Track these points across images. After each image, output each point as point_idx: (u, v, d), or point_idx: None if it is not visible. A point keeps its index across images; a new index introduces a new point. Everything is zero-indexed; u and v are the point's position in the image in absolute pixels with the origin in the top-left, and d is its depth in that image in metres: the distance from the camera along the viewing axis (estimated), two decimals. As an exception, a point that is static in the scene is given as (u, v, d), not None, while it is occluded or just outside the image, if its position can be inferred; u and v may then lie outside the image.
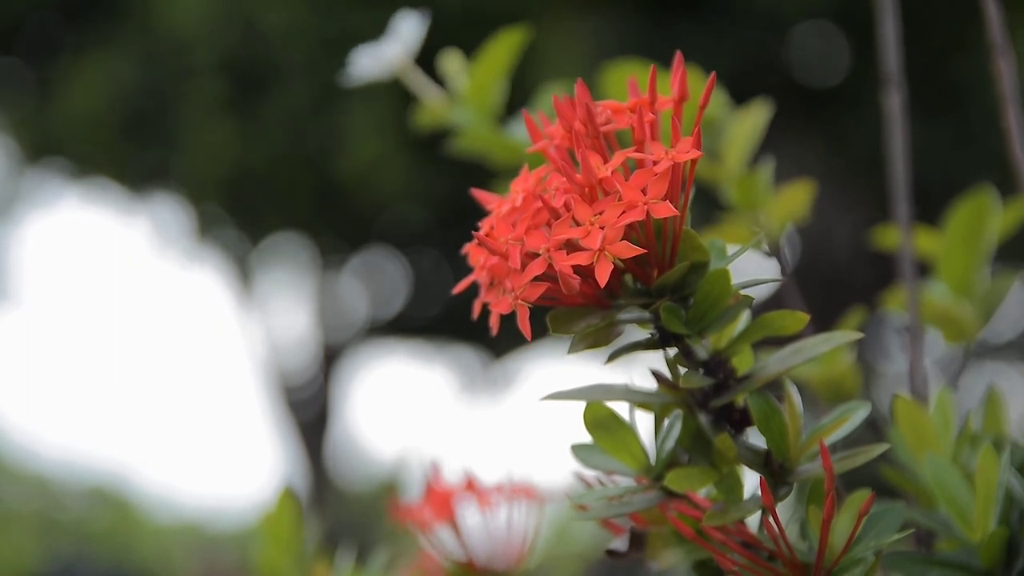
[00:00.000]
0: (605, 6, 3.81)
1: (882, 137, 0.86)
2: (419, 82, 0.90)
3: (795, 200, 0.86)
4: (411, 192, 4.19)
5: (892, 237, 0.89)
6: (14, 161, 5.23)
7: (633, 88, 0.57)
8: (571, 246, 0.53)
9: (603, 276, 0.51)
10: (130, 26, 4.32)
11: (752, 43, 3.83)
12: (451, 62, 0.91)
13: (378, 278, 5.62)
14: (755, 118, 0.86)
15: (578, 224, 0.53)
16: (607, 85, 0.86)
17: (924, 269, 0.88)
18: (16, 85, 4.83)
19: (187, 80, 4.19)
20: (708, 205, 0.86)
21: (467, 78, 0.90)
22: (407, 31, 0.88)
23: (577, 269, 0.52)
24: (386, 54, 0.88)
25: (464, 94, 0.90)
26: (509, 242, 0.53)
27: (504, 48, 0.89)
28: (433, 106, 0.91)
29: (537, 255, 0.53)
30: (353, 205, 4.46)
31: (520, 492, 0.84)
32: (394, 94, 3.53)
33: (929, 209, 0.89)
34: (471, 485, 0.83)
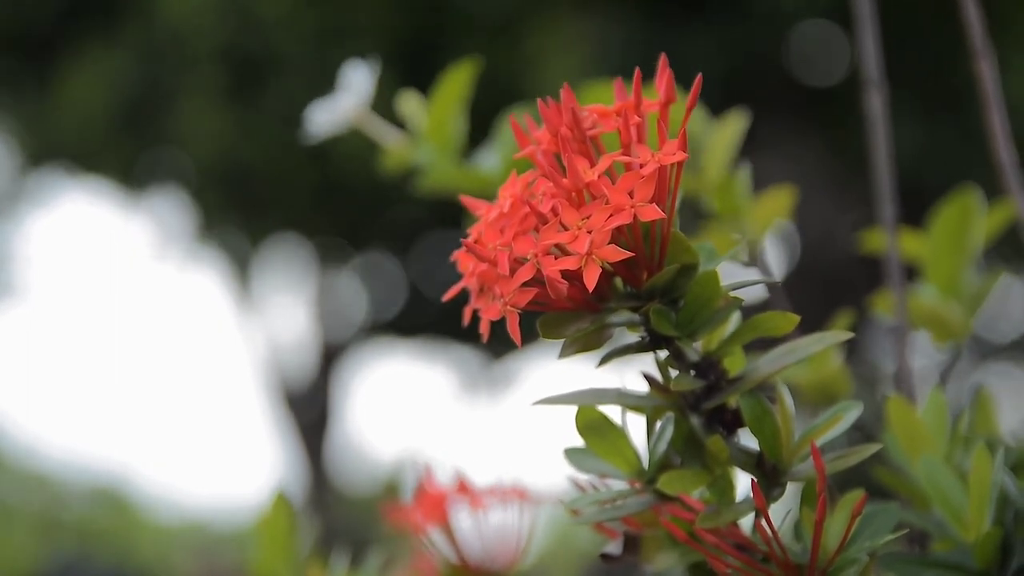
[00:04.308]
0: (606, 8, 3.80)
1: (873, 139, 0.86)
2: (378, 128, 0.90)
3: (777, 205, 0.86)
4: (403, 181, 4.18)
5: (878, 240, 0.89)
6: (17, 161, 5.23)
7: (619, 91, 0.57)
8: (559, 251, 0.53)
9: (591, 280, 0.51)
10: (129, 17, 4.32)
11: (753, 43, 3.82)
12: (408, 102, 0.90)
13: (378, 278, 5.62)
14: (733, 127, 0.85)
15: (565, 228, 0.52)
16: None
17: (915, 271, 0.88)
18: (18, 87, 4.83)
19: (185, 71, 4.19)
20: (690, 216, 0.86)
21: (425, 116, 0.89)
22: (358, 81, 0.88)
23: (565, 274, 0.52)
24: (340, 107, 0.88)
25: (424, 132, 0.89)
26: (497, 248, 0.53)
27: (458, 82, 0.88)
28: (396, 149, 0.90)
29: (525, 260, 0.53)
30: (352, 198, 4.45)
31: (514, 493, 0.84)
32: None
33: (930, 211, 0.89)
34: (463, 487, 0.83)
